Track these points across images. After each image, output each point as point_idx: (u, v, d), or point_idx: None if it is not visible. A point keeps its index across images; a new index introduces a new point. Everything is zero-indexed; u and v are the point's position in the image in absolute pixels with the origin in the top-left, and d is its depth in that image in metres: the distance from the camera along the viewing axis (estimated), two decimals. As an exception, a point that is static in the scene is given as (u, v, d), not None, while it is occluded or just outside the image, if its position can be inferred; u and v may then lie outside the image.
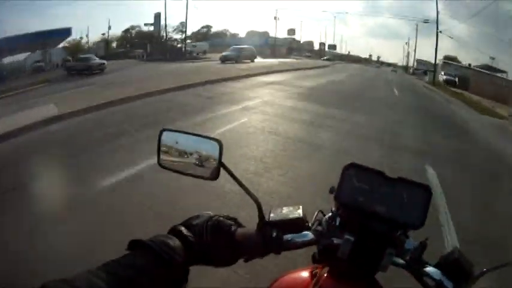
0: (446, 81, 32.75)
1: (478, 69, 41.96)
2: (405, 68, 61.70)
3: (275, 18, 56.02)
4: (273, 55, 51.52)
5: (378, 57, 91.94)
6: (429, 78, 33.97)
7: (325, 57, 59.43)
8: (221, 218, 0.72)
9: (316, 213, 0.80)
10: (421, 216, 0.71)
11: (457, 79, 35.00)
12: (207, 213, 0.73)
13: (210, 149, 0.75)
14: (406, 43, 56.27)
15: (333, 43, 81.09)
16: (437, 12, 30.59)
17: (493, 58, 40.18)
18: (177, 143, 0.78)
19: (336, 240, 0.71)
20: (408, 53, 59.94)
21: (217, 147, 0.73)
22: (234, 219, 0.74)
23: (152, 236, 0.61)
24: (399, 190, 0.73)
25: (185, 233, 0.65)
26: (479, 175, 5.37)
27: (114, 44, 30.84)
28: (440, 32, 31.16)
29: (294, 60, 40.23)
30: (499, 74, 36.72)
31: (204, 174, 0.75)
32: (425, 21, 33.60)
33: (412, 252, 0.72)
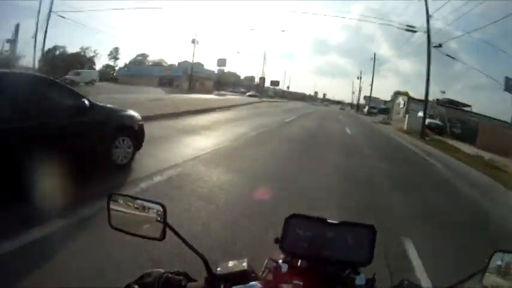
0: (431, 127, 20.73)
1: (452, 106, 32.38)
2: (356, 107, 51.62)
3: (193, 41, 43.38)
4: (192, 89, 37.95)
5: (324, 95, 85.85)
6: (408, 124, 21.06)
7: (250, 93, 47.65)
8: (171, 275, 0.77)
9: (266, 261, 0.82)
10: (367, 253, 0.77)
11: (438, 121, 23.50)
12: (157, 271, 0.77)
13: (155, 211, 0.79)
14: (358, 77, 47.24)
15: (276, 79, 72.26)
16: (428, 18, 18.20)
17: (443, 92, 39.30)
18: (125, 205, 0.82)
19: (285, 287, 0.73)
20: (360, 88, 51.60)
21: (161, 209, 0.79)
22: (185, 274, 0.79)
23: None
24: (342, 233, 0.78)
25: None
26: None
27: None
28: (440, 45, 18.70)
29: (205, 96, 26.79)
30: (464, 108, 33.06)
31: (152, 234, 0.79)
32: (410, 30, 20.89)
33: (363, 287, 0.75)
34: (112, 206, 0.82)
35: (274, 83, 72.20)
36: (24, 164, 3.12)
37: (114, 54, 61.60)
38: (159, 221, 0.78)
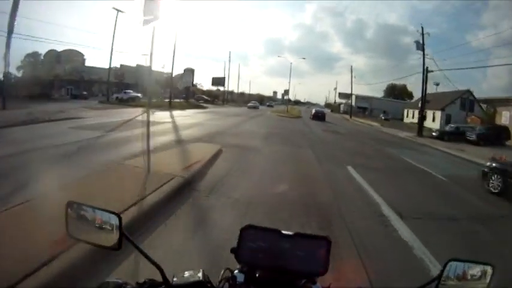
0: None
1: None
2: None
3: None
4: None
5: (283, 94, 65.94)
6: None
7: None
8: (129, 286, 0.76)
9: (222, 271, 0.86)
10: (323, 264, 0.80)
11: None
12: (115, 281, 0.77)
13: (112, 221, 0.80)
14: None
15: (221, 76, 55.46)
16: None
17: (437, 84, 33.81)
18: (83, 214, 0.81)
19: None
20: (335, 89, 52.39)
21: (117, 219, 0.79)
22: (144, 283, 0.78)
23: None
24: (297, 244, 0.81)
25: None
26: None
27: None
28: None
29: None
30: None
31: (108, 244, 0.79)
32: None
33: None
34: (70, 214, 0.81)
35: (217, 82, 54.63)
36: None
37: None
38: (115, 231, 0.78)
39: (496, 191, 6.51)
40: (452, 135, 21.80)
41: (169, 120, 16.50)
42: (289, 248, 0.80)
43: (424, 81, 24.18)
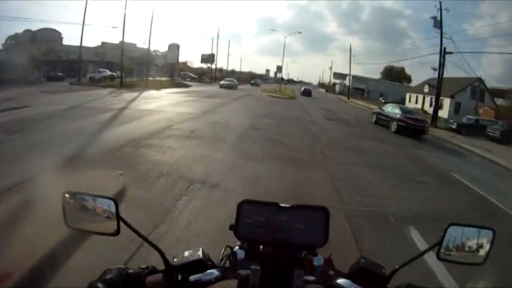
0: None
1: None
2: None
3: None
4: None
5: (276, 73, 66.83)
6: None
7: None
8: (131, 270, 0.75)
9: (223, 249, 0.82)
10: (322, 234, 0.78)
11: None
12: (119, 267, 0.75)
13: (107, 207, 0.77)
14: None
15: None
16: None
17: (435, 69, 24.09)
18: (79, 203, 0.79)
19: (243, 272, 0.74)
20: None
21: (113, 204, 0.77)
22: (146, 268, 0.77)
23: None
24: (295, 216, 0.79)
25: None
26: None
27: None
28: None
29: None
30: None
31: (107, 230, 0.77)
32: None
33: (322, 268, 0.77)
34: (67, 204, 0.79)
35: (207, 59, 53.12)
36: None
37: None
38: (112, 217, 0.77)
39: (373, 121, 16.46)
40: (471, 129, 18.77)
41: (123, 105, 12.36)
42: (288, 220, 0.79)
43: (441, 64, 20.53)
